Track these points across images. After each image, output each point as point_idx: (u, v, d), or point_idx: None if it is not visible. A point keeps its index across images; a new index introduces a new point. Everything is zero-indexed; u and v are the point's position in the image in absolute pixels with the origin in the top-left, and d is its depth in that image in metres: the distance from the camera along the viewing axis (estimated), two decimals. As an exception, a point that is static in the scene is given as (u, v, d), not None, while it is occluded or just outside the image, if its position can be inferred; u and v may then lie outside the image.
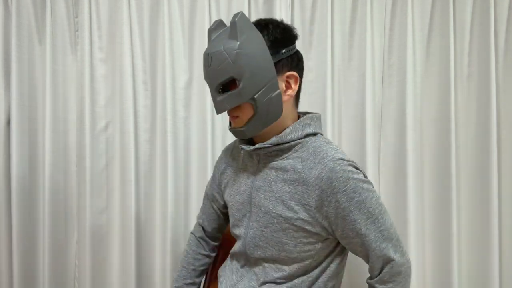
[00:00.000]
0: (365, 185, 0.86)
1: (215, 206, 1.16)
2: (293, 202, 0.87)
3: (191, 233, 1.22)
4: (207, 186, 1.21)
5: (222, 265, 1.12)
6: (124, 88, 1.51)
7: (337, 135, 1.54)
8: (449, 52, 1.46)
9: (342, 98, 1.55)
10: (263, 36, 0.84)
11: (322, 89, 1.51)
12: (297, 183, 0.87)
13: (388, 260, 0.89)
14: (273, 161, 0.93)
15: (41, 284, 1.53)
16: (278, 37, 0.87)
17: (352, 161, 0.89)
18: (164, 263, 1.50)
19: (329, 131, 1.49)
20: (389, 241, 0.88)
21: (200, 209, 1.22)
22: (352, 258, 1.55)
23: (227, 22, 1.55)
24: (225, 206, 1.15)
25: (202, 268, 1.18)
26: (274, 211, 0.89)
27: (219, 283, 1.06)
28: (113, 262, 1.55)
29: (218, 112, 0.89)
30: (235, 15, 0.84)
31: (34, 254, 1.55)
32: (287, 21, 1.51)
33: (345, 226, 0.87)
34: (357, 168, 0.89)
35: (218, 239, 1.23)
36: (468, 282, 1.49)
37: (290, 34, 0.91)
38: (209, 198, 1.18)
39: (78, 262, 1.55)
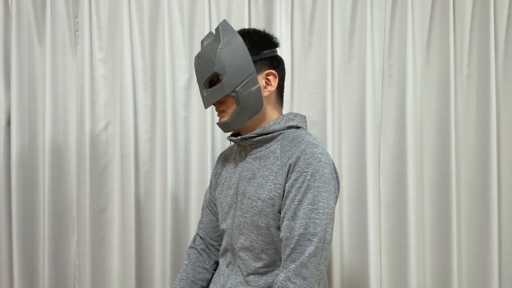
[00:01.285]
0: (325, 178, 0.88)
1: (213, 211, 1.17)
2: (269, 183, 0.93)
3: (190, 247, 1.19)
4: (205, 196, 1.22)
5: (212, 280, 1.12)
6: (124, 88, 1.51)
7: (337, 135, 1.54)
8: (449, 52, 1.46)
9: (342, 98, 1.55)
10: (244, 40, 0.96)
11: (322, 89, 1.51)
12: (274, 166, 0.95)
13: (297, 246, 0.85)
14: (257, 152, 1.01)
15: (41, 284, 1.53)
16: (257, 40, 0.99)
17: (328, 155, 0.93)
18: (164, 263, 1.50)
19: (329, 131, 1.49)
20: (313, 236, 0.84)
21: (199, 222, 1.21)
22: (351, 258, 1.55)
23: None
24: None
25: (201, 283, 1.12)
26: (255, 195, 0.95)
27: None
28: (113, 262, 1.55)
29: (206, 106, 1.01)
30: (220, 23, 0.97)
31: (34, 254, 1.55)
32: (287, 21, 1.52)
33: (288, 205, 0.88)
34: (329, 164, 0.91)
35: (218, 252, 1.17)
36: (468, 282, 1.50)
37: (269, 40, 1.02)
38: (206, 205, 1.19)
39: (78, 262, 1.55)
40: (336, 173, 0.97)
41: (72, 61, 1.56)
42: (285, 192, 0.90)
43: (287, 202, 0.89)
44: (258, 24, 1.55)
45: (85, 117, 1.51)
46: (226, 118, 1.00)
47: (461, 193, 1.51)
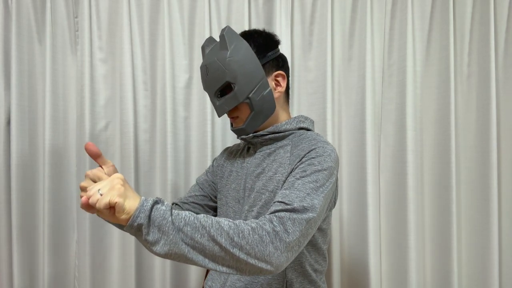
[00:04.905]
0: (331, 171, 0.86)
1: (205, 191, 1.16)
2: (278, 175, 0.93)
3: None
4: (197, 180, 1.20)
5: (209, 276, 1.11)
6: (124, 88, 1.51)
7: (337, 135, 1.54)
8: (449, 52, 1.46)
9: (342, 98, 1.55)
10: (250, 44, 0.96)
11: (322, 89, 1.51)
12: (283, 159, 0.95)
13: (279, 210, 0.77)
14: (267, 148, 1.01)
15: (41, 284, 1.53)
16: (262, 42, 0.99)
17: (337, 156, 0.92)
18: (164, 263, 1.50)
19: (329, 131, 1.49)
20: (311, 206, 0.78)
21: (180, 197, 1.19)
22: (351, 258, 1.55)
23: (227, 23, 1.56)
24: (208, 198, 1.16)
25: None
26: (263, 188, 0.95)
27: None
28: (113, 262, 1.55)
29: (220, 115, 1.00)
30: (223, 29, 0.95)
31: (34, 254, 1.55)
32: (287, 21, 1.52)
33: (287, 181, 0.85)
34: (336, 162, 0.90)
35: None
36: (468, 282, 1.50)
37: (272, 40, 1.02)
38: (197, 184, 1.18)
39: (78, 262, 1.55)
40: (337, 179, 0.95)
41: (72, 61, 1.56)
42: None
43: (288, 179, 0.86)
44: (258, 24, 1.55)
45: (85, 117, 1.51)
46: (241, 124, 1.01)
47: (461, 193, 1.51)
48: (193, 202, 1.15)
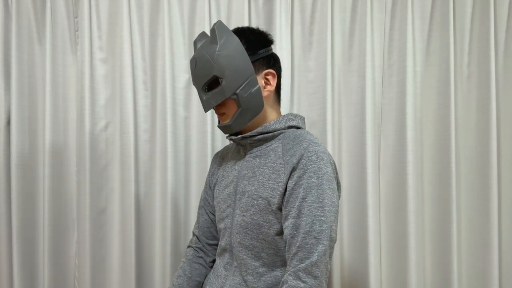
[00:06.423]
0: (328, 176, 0.88)
1: (207, 211, 1.17)
2: (271, 182, 0.93)
3: (188, 246, 1.19)
4: (201, 196, 1.22)
5: (206, 280, 1.12)
6: (124, 88, 1.51)
7: (337, 135, 1.54)
8: (449, 52, 1.46)
9: (342, 98, 1.55)
10: (241, 40, 0.94)
11: (322, 89, 1.51)
12: (276, 164, 0.94)
13: (304, 258, 0.84)
14: (257, 150, 1.00)
15: (41, 284, 1.53)
16: (254, 40, 0.98)
17: (330, 155, 0.93)
18: (164, 263, 1.50)
19: (329, 132, 1.49)
20: (319, 234, 0.84)
21: (195, 222, 1.21)
22: (351, 258, 1.55)
23: (227, 23, 1.56)
24: (213, 215, 1.17)
25: (198, 279, 1.13)
26: (255, 193, 0.94)
27: None
28: (113, 262, 1.55)
29: (206, 109, 0.99)
30: (214, 23, 0.94)
31: (34, 254, 1.55)
32: (287, 21, 1.52)
33: (292, 203, 0.88)
34: (331, 163, 0.92)
35: (215, 251, 1.17)
36: (468, 282, 1.50)
37: (265, 38, 1.01)
38: (202, 206, 1.19)
39: (78, 262, 1.55)
40: (337, 173, 0.96)
41: (72, 61, 1.56)
42: (288, 190, 0.89)
43: (291, 199, 0.88)
44: (258, 24, 1.55)
45: (85, 117, 1.51)
46: (227, 121, 0.99)
47: (461, 193, 1.51)
48: (207, 228, 1.17)
